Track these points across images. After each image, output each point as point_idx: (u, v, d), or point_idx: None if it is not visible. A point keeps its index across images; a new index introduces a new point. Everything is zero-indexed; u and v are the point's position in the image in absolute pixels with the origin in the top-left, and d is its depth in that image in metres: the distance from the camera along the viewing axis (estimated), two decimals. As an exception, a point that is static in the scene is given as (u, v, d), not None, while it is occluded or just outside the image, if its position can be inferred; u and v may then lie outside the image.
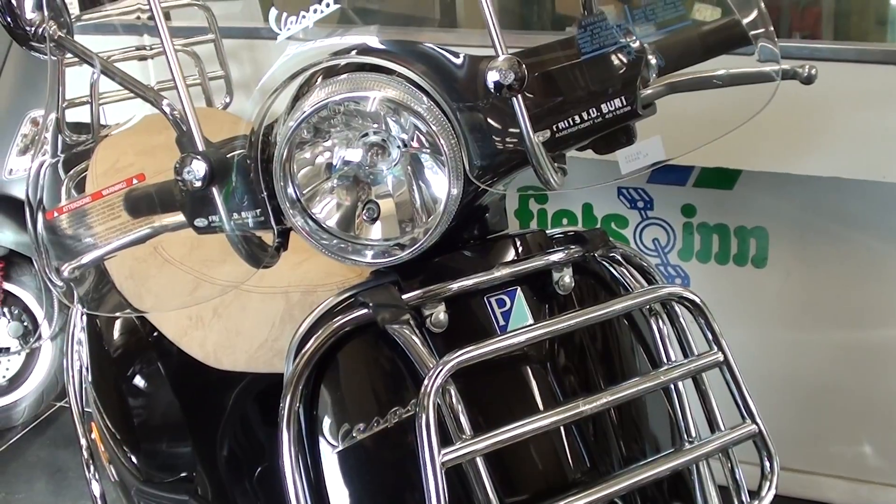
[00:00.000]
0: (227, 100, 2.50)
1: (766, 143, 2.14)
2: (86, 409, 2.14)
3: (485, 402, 1.08)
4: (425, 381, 0.99)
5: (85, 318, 2.05)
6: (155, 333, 1.81)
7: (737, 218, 2.45)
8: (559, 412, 1.04)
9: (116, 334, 1.94)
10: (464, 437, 1.02)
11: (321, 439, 1.14)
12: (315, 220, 1.07)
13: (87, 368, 2.05)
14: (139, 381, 1.89)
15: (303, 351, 1.12)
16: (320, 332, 1.11)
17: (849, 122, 2.06)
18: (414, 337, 1.06)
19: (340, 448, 1.12)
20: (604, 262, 1.23)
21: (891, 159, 2.08)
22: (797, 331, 2.52)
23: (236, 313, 1.54)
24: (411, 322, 1.08)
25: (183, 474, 1.88)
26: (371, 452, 1.12)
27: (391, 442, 1.11)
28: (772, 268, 2.47)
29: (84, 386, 2.11)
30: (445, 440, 1.00)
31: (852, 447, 2.61)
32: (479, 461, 1.02)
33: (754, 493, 1.13)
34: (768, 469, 1.12)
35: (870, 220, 2.34)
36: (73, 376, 2.13)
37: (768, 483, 1.12)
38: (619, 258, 1.23)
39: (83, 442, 2.13)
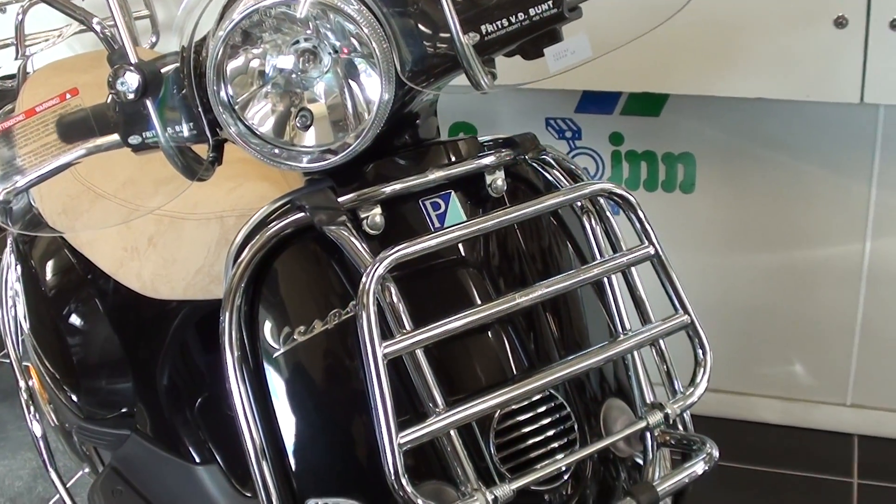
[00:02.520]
0: (154, 39, 2.49)
1: (690, 66, 2.17)
2: (24, 364, 2.13)
3: (423, 303, 1.10)
4: (363, 277, 1.00)
5: (20, 267, 2.04)
6: (90, 272, 1.81)
7: (664, 145, 2.48)
8: (496, 304, 1.06)
9: (51, 275, 1.94)
10: (404, 331, 1.04)
11: (262, 345, 1.14)
12: (248, 127, 1.08)
13: (24, 317, 2.04)
14: (76, 319, 1.89)
15: (239, 260, 1.13)
16: (256, 238, 1.12)
17: (772, 43, 2.10)
18: (352, 237, 1.07)
19: (281, 351, 1.13)
20: (535, 165, 1.25)
21: (813, 79, 2.11)
22: (727, 255, 2.56)
23: (172, 242, 1.54)
24: (348, 224, 1.09)
25: (124, 410, 1.88)
26: (312, 354, 1.13)
27: (332, 343, 1.13)
28: (700, 193, 2.51)
29: (21, 337, 2.11)
30: (386, 337, 1.01)
31: (784, 367, 2.66)
32: (420, 355, 1.04)
33: (689, 384, 1.15)
34: (701, 357, 1.15)
35: (795, 142, 2.38)
36: (9, 326, 2.12)
37: (702, 370, 1.14)
38: (551, 161, 1.25)
39: (22, 384, 2.13)
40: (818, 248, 2.49)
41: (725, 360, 2.60)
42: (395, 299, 1.06)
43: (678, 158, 2.47)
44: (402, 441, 0.98)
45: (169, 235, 1.55)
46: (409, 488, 0.97)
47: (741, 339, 2.64)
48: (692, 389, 1.14)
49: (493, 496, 1.01)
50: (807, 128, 2.35)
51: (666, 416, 1.12)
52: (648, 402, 1.15)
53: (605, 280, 1.17)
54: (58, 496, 2.44)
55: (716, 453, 1.09)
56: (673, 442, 1.16)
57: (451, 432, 1.03)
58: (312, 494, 1.13)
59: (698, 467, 1.08)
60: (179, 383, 1.80)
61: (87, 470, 2.14)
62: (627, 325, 1.16)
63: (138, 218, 1.56)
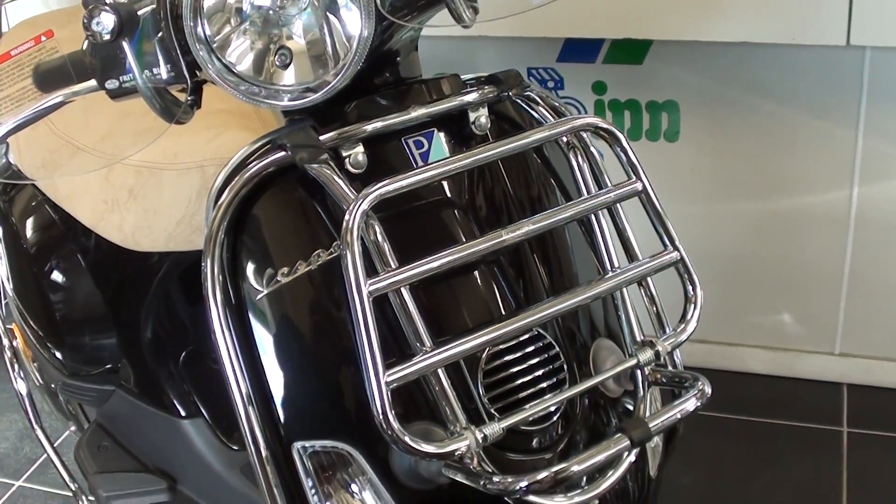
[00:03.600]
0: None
1: (673, 11, 2.15)
2: (8, 326, 2.11)
3: (408, 245, 1.07)
4: (347, 214, 0.98)
5: (1, 228, 2.02)
6: (71, 228, 1.79)
7: (648, 93, 2.46)
8: (483, 241, 1.04)
9: (32, 232, 1.92)
10: (389, 269, 1.02)
11: (245, 289, 1.13)
12: (227, 66, 1.06)
13: (7, 278, 2.02)
14: (58, 275, 1.87)
15: (219, 202, 1.11)
16: (236, 179, 1.10)
17: (756, -14, 2.08)
18: (334, 175, 1.05)
19: (265, 293, 1.11)
20: (520, 102, 1.23)
21: (798, 21, 2.09)
22: (712, 203, 2.55)
23: (152, 193, 1.52)
24: (330, 162, 1.07)
25: (108, 365, 1.87)
26: (296, 295, 1.12)
27: (316, 284, 1.11)
28: (685, 141, 2.49)
29: (5, 301, 2.09)
30: (371, 276, 1.00)
31: (771, 317, 2.66)
32: (406, 294, 1.02)
33: (679, 321, 1.14)
34: (692, 293, 1.13)
35: (780, 88, 2.36)
36: None
37: (693, 307, 1.13)
38: (536, 98, 1.23)
39: (6, 342, 2.11)
40: (805, 195, 2.48)
41: (712, 310, 2.58)
42: (379, 238, 1.04)
43: (662, 107, 2.46)
44: (389, 379, 0.96)
45: (149, 187, 1.52)
46: (396, 426, 0.95)
47: (728, 288, 2.63)
48: (683, 326, 1.12)
49: (482, 434, 0.99)
50: (792, 73, 2.33)
51: (657, 354, 1.11)
52: (638, 340, 1.13)
53: (593, 218, 1.16)
54: (44, 455, 2.44)
55: (708, 389, 1.08)
56: (664, 380, 1.14)
57: (439, 372, 1.02)
58: (299, 439, 1.11)
59: (690, 403, 1.06)
60: (163, 337, 1.78)
61: (73, 428, 2.14)
62: (616, 264, 1.15)
63: (118, 164, 1.54)
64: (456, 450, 0.98)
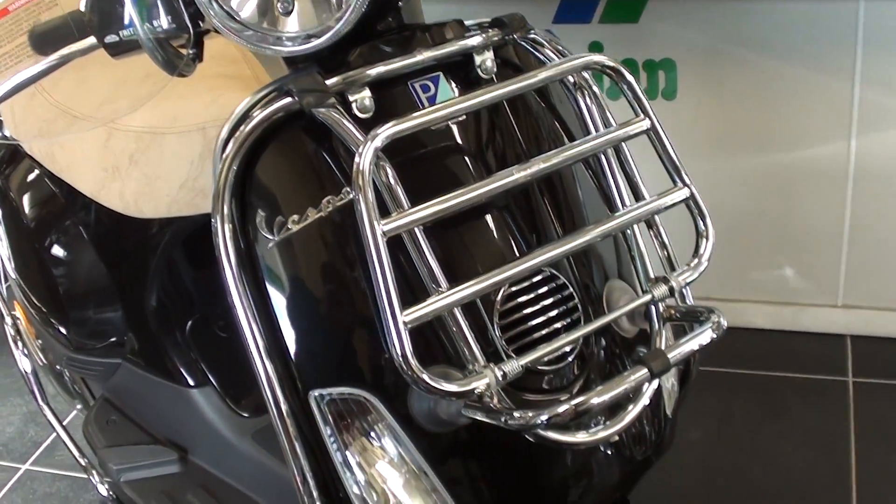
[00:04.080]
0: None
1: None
2: (12, 312, 2.11)
3: (419, 189, 1.06)
4: (357, 156, 0.97)
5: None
6: (72, 199, 1.78)
7: (644, 51, 2.45)
8: (494, 179, 1.03)
9: (31, 206, 1.90)
10: (402, 210, 1.01)
11: (256, 239, 1.12)
12: (230, 13, 1.05)
13: (8, 258, 2.01)
14: (59, 249, 1.86)
15: (226, 153, 1.10)
16: (242, 128, 1.09)
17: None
18: (342, 119, 1.05)
19: (276, 240, 1.10)
20: (524, 45, 1.22)
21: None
22: (711, 160, 2.55)
23: (154, 158, 1.51)
24: (338, 106, 1.06)
25: (113, 339, 1.86)
26: (308, 242, 1.11)
27: (328, 230, 1.10)
28: (682, 99, 2.49)
29: (7, 284, 2.08)
30: (385, 217, 0.99)
31: (773, 271, 2.66)
32: (420, 235, 1.02)
33: (692, 256, 1.13)
34: (703, 228, 1.13)
35: (776, 42, 2.35)
36: None
37: (705, 241, 1.12)
38: (541, 39, 1.22)
39: (8, 321, 2.10)
40: (803, 148, 2.48)
41: (713, 266, 2.56)
42: (391, 180, 1.03)
43: (659, 65, 2.45)
44: (407, 319, 0.95)
45: (150, 152, 1.51)
46: (415, 365, 0.95)
47: (729, 244, 2.63)
48: (696, 261, 1.12)
49: (501, 372, 0.99)
50: (787, 27, 2.33)
51: (671, 290, 1.10)
52: (652, 277, 1.13)
53: (602, 157, 1.15)
54: (51, 438, 2.43)
55: (724, 321, 1.07)
56: (678, 315, 1.13)
57: (456, 312, 1.01)
58: (316, 387, 1.11)
59: (706, 335, 1.06)
60: (169, 306, 1.78)
61: (79, 407, 2.13)
62: (627, 202, 1.14)
63: (118, 131, 1.53)
64: (476, 388, 0.98)
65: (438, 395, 0.98)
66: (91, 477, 2.02)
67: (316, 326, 1.13)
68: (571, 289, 1.13)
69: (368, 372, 1.10)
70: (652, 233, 1.16)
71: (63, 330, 1.89)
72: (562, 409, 0.97)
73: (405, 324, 0.95)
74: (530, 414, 0.98)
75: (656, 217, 1.14)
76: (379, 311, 0.95)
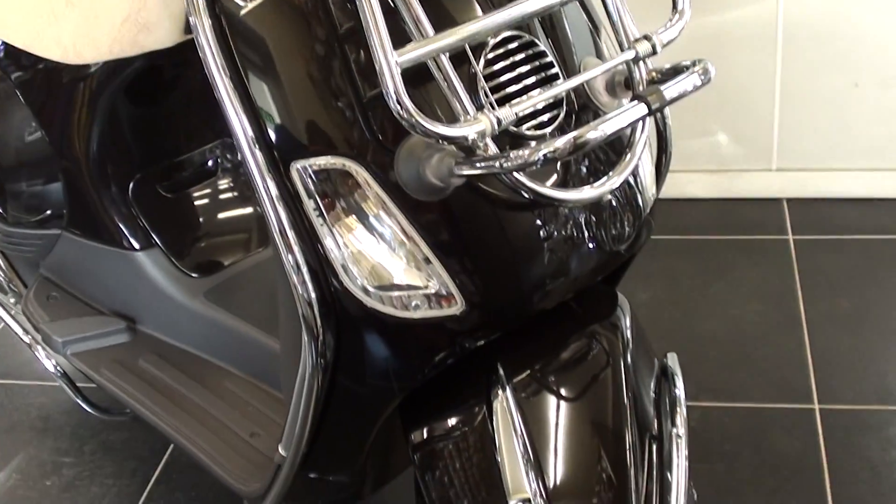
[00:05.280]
0: None
1: None
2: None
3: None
4: None
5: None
6: (7, 61, 1.71)
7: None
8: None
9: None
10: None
11: (228, 9, 1.07)
12: None
13: None
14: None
15: None
16: None
17: None
18: None
19: (249, 7, 1.06)
20: None
21: None
22: (637, 25, 2.52)
23: (92, -5, 1.45)
24: None
25: (50, 210, 1.81)
26: (282, 6, 1.06)
27: None
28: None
29: None
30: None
31: (707, 139, 2.66)
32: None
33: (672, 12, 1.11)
34: None
35: None
36: None
37: None
38: None
39: None
40: (731, 10, 2.47)
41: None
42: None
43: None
44: (400, 60, 0.92)
45: (87, -11, 1.45)
46: (410, 105, 0.91)
47: (663, 115, 2.62)
48: (676, 17, 1.10)
49: (495, 118, 0.96)
50: None
51: (653, 47, 1.08)
52: (633, 37, 1.10)
53: None
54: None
55: (711, 69, 1.06)
56: (661, 76, 1.11)
57: (445, 62, 0.97)
58: (298, 158, 1.06)
59: (695, 77, 1.04)
60: (110, 166, 1.72)
61: (13, 301, 2.05)
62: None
63: None
64: (472, 132, 0.94)
65: (433, 139, 0.94)
66: (36, 353, 1.95)
67: (294, 95, 1.08)
68: (551, 56, 1.10)
69: (352, 140, 1.05)
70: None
71: None
72: (560, 142, 0.94)
73: (398, 63, 0.91)
74: (527, 152, 0.94)
75: None
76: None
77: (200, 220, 1.83)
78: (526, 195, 1.03)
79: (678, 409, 1.20)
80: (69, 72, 1.61)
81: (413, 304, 1.08)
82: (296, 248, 1.08)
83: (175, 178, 1.80)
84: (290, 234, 1.07)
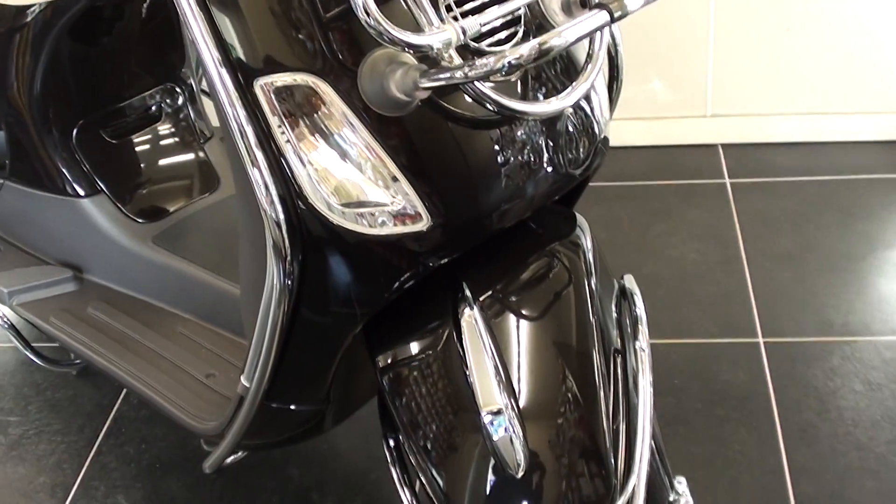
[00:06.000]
0: None
1: None
2: None
3: None
4: None
5: None
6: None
7: None
8: None
9: None
10: None
11: None
12: None
13: None
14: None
15: None
16: None
17: None
18: None
19: None
20: None
21: None
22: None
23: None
24: None
25: None
26: None
27: None
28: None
29: None
30: None
31: (642, 86, 2.67)
32: None
33: None
34: None
35: None
36: None
37: None
38: None
39: None
40: (665, -44, 2.48)
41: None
42: None
43: None
44: None
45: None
46: (376, 11, 0.91)
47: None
48: None
49: (460, 27, 0.96)
50: None
51: None
52: None
53: None
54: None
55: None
56: None
57: None
58: (260, 75, 1.05)
59: None
60: (53, 114, 1.70)
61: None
62: None
63: None
64: (438, 42, 0.95)
65: (400, 47, 0.94)
66: (-20, 305, 1.93)
67: (256, 19, 1.06)
68: None
69: (315, 61, 1.05)
70: None
71: None
72: (525, 48, 0.94)
73: None
74: (492, 59, 0.94)
75: None
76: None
77: (143, 165, 1.82)
78: (490, 107, 1.04)
79: (640, 327, 1.21)
80: (6, 20, 1.59)
81: (380, 220, 1.07)
82: (263, 168, 1.06)
83: (118, 123, 1.79)
84: (258, 153, 1.06)
